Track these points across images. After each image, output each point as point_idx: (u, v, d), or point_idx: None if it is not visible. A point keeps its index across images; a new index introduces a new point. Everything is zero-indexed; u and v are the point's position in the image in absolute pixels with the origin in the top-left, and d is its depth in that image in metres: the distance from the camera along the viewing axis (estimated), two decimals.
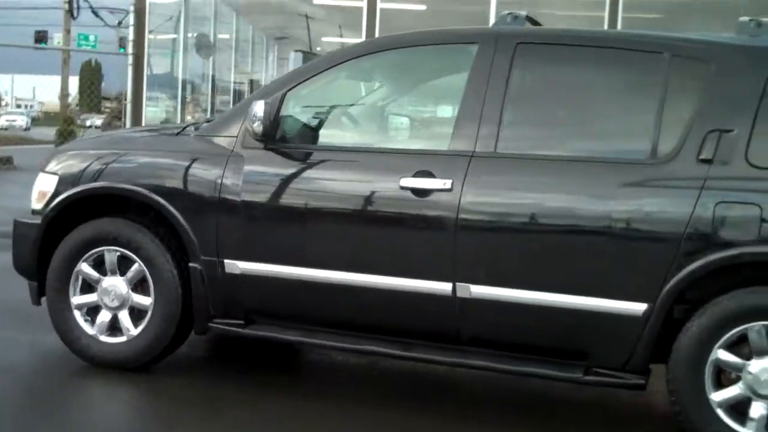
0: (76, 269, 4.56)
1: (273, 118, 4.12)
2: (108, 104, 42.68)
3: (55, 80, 36.12)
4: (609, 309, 3.82)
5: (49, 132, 26.76)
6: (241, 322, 4.38)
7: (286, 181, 4.26)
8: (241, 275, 4.29)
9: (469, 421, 4.18)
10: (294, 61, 13.12)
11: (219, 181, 4.30)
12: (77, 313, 4.59)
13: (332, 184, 4.24)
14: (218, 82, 15.59)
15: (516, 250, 3.96)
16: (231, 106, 13.70)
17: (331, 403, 4.28)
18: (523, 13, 4.28)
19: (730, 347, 3.72)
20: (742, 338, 3.70)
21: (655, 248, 3.76)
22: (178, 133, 4.70)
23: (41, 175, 4.71)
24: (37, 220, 4.61)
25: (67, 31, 26.48)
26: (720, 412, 3.74)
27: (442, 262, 4.00)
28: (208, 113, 13.77)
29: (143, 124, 11.96)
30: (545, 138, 4.09)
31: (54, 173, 4.63)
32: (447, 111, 4.38)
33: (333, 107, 4.54)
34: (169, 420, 4.05)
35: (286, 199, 4.26)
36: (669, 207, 3.76)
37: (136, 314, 4.52)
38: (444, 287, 3.99)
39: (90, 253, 4.53)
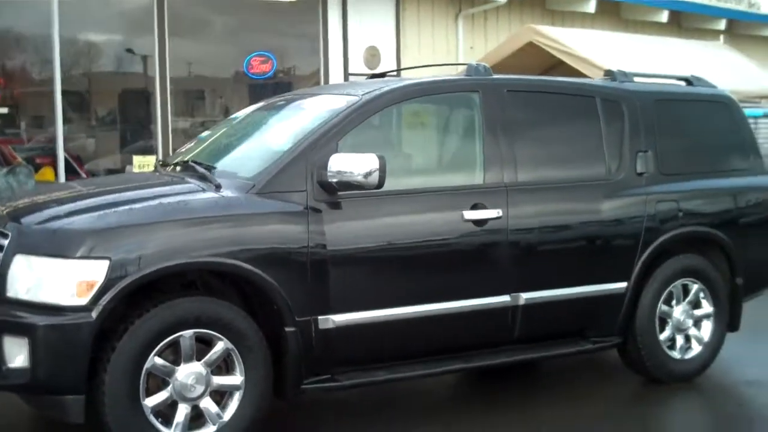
0: (147, 365, 3.85)
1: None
2: None
3: None
4: (606, 290, 5.10)
5: None
6: (329, 376, 4.34)
7: (369, 227, 4.39)
8: (335, 329, 4.26)
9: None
10: None
11: (306, 238, 4.18)
12: (152, 418, 3.89)
13: (409, 223, 4.51)
14: None
15: (548, 257, 4.92)
16: None
17: None
18: (485, 64, 5.11)
19: (666, 302, 5.35)
20: (671, 294, 5.38)
21: (628, 240, 5.16)
22: (218, 194, 4.22)
23: (70, 263, 3.74)
24: (81, 318, 3.72)
25: None
26: (665, 349, 5.36)
27: (501, 278, 4.75)
28: None
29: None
30: (544, 168, 5.05)
31: (100, 257, 3.76)
32: (471, 150, 4.94)
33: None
34: None
35: (374, 244, 4.39)
36: (634, 209, 5.18)
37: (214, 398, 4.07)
38: (504, 299, 4.75)
39: (165, 342, 3.89)
